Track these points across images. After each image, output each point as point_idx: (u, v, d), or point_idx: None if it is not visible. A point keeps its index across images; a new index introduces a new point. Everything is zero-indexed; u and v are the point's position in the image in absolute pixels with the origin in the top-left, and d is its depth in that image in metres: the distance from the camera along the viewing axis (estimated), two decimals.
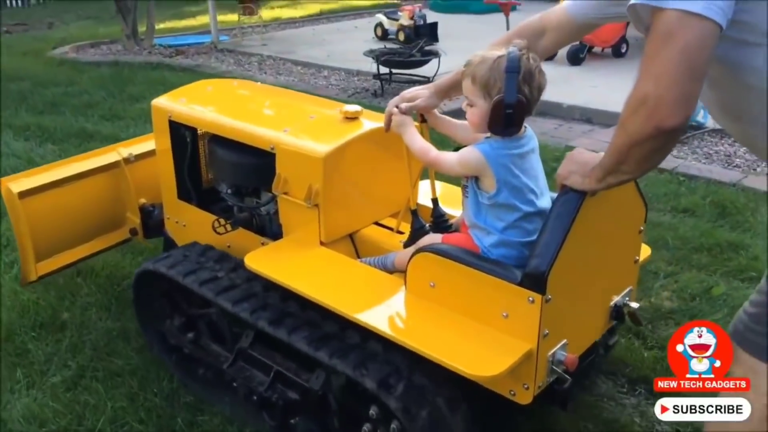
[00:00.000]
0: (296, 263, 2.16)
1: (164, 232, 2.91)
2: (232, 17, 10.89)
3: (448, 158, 1.90)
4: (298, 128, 2.32)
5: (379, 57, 6.71)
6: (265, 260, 2.17)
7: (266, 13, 11.75)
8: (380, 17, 9.80)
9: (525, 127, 1.86)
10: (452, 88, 2.07)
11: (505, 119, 1.75)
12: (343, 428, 2.09)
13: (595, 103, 6.06)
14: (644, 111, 1.36)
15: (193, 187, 2.72)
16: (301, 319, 2.09)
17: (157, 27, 10.10)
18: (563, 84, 6.58)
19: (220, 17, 10.21)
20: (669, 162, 4.65)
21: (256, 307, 2.16)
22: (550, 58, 7.50)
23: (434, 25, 8.97)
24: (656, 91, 1.34)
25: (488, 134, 1.86)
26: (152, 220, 2.98)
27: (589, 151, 1.71)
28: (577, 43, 7.43)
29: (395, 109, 2.08)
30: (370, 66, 6.88)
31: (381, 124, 2.23)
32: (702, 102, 1.54)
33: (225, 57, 8.95)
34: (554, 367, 1.78)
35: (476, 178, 1.86)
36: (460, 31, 9.31)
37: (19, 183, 2.65)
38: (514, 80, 1.71)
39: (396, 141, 2.15)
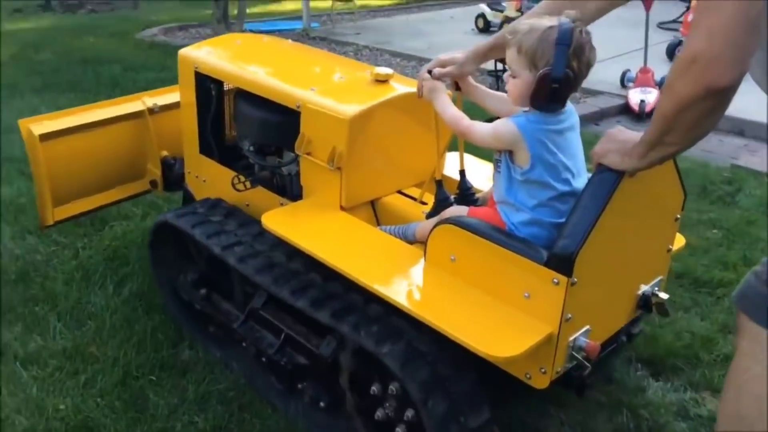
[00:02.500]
0: (314, 226, 2.10)
1: (184, 187, 2.87)
2: (324, 3, 10.37)
3: (482, 129, 1.81)
4: (326, 88, 2.24)
5: None
6: (283, 220, 2.11)
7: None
8: (483, 8, 9.03)
9: (566, 102, 1.76)
10: (490, 52, 1.97)
11: (550, 94, 1.65)
12: (352, 396, 2.04)
13: (747, 112, 4.67)
14: (696, 69, 1.26)
15: (215, 142, 2.66)
16: (322, 290, 2.04)
17: (247, 11, 9.50)
18: None
19: (312, 2, 9.66)
20: None
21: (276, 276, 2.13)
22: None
23: None
24: (710, 47, 1.24)
25: (527, 108, 1.77)
26: (173, 173, 2.94)
27: (629, 130, 1.61)
28: None
29: (427, 75, 1.98)
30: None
31: (412, 89, 2.14)
32: None
33: (318, 45, 8.25)
34: (574, 353, 1.70)
35: (510, 152, 1.77)
36: None
37: (41, 126, 2.61)
38: (564, 53, 1.61)
39: (426, 108, 2.06)
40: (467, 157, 2.26)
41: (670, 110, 1.35)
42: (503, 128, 1.74)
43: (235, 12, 8.94)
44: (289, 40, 3.06)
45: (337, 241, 2.03)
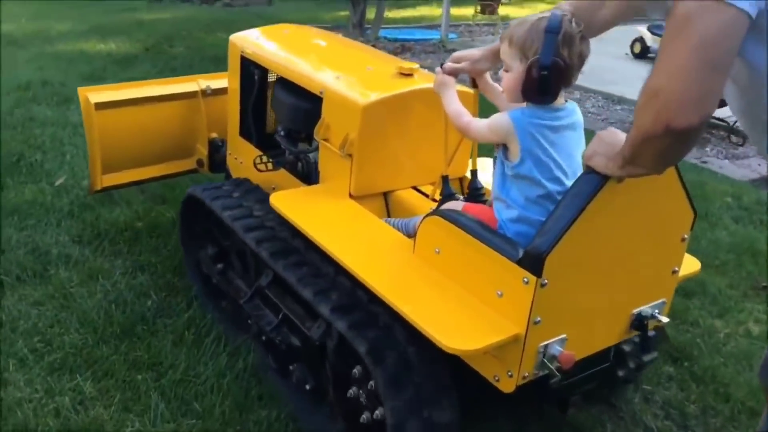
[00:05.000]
0: (317, 209, 2.13)
1: (225, 168, 2.98)
2: (463, 11, 9.85)
3: (479, 123, 1.80)
4: (351, 76, 2.28)
5: None
6: (289, 201, 2.15)
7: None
8: (642, 31, 8.04)
9: (566, 100, 1.71)
10: None
11: (540, 82, 1.61)
12: (335, 384, 2.04)
13: None
14: (656, 104, 1.22)
15: (254, 126, 2.75)
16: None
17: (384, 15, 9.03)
18: None
19: (453, 9, 9.02)
20: None
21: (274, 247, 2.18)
22: None
23: None
24: (669, 85, 1.20)
25: (523, 104, 1.74)
26: (219, 155, 3.05)
27: (621, 132, 1.54)
28: None
29: (438, 69, 1.98)
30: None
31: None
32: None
33: None
34: (545, 361, 1.63)
35: (505, 147, 1.74)
36: None
37: (98, 95, 2.80)
38: (553, 41, 1.58)
39: None
40: (484, 160, 2.22)
41: (635, 139, 1.33)
42: (498, 121, 1.73)
43: (372, 17, 8.54)
44: (340, 35, 3.13)
45: (334, 226, 2.05)
